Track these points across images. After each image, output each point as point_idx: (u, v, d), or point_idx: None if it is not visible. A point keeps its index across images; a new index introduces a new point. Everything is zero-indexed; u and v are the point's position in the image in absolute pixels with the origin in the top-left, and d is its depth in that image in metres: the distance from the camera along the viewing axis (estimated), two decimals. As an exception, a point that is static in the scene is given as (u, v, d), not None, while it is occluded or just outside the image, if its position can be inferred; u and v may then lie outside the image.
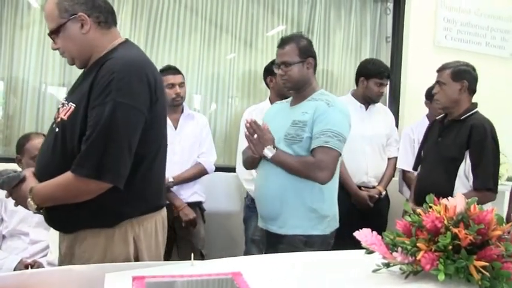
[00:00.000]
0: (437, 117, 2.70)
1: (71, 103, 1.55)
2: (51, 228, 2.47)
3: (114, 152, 1.45)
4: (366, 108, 3.09)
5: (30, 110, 3.38)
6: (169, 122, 2.86)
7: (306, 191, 2.14)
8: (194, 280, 1.26)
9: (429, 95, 3.21)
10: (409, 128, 3.29)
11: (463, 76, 2.45)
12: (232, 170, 3.18)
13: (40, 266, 2.37)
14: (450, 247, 1.18)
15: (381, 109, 3.23)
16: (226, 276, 1.26)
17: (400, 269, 1.26)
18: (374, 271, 1.31)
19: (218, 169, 3.11)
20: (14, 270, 2.31)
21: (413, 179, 3.13)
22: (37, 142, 2.50)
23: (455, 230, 1.19)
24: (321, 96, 2.19)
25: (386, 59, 3.87)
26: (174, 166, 2.81)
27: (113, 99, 1.44)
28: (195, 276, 1.26)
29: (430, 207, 1.31)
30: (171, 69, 2.92)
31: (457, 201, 1.28)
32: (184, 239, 2.92)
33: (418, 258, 1.19)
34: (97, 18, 1.61)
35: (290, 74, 2.19)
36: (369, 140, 3.03)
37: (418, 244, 1.21)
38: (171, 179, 2.80)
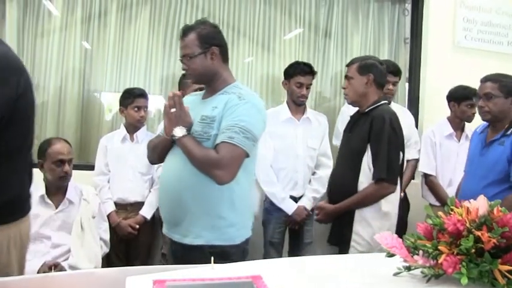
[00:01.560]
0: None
1: None
2: (73, 232, 2.53)
3: None
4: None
5: (51, 115, 3.43)
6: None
7: (212, 193, 1.87)
8: (215, 283, 1.26)
9: (451, 97, 3.17)
10: (430, 130, 3.25)
11: (370, 69, 2.38)
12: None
13: (62, 269, 2.40)
14: (473, 250, 1.16)
15: (400, 110, 3.18)
16: (246, 279, 1.26)
17: (422, 272, 1.25)
18: (395, 274, 1.29)
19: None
20: (38, 272, 2.34)
21: (436, 183, 3.10)
22: (59, 147, 2.55)
23: (478, 233, 1.17)
24: (233, 89, 1.95)
25: (405, 61, 3.84)
26: None
27: None
28: (216, 280, 1.26)
29: (452, 209, 1.29)
30: None
31: (480, 203, 1.26)
32: None
33: (439, 261, 1.17)
34: None
35: (192, 67, 1.96)
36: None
37: (439, 247, 1.20)
38: None
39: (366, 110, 2.40)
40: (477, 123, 2.75)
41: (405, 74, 3.77)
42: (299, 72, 2.96)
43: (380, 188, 2.27)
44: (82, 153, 3.49)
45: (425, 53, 3.71)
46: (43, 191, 2.57)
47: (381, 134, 2.27)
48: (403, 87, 3.80)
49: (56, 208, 2.57)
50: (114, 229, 2.91)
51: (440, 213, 1.30)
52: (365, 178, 2.30)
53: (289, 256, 3.01)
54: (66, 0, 3.44)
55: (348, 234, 2.32)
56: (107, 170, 3.05)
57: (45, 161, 2.55)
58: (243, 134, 1.81)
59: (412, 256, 1.26)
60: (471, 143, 2.71)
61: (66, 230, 2.54)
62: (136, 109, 3.03)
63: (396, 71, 3.04)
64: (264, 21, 3.71)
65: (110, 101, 3.55)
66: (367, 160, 2.31)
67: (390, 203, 2.32)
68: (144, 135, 3.08)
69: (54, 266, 2.39)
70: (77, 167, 2.92)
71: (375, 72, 2.39)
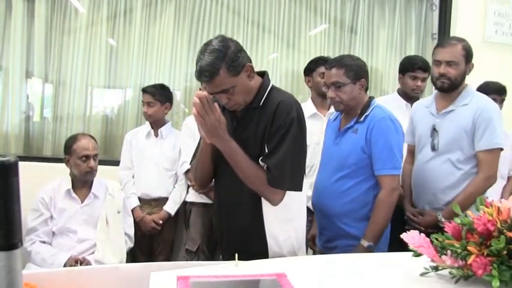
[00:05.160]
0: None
1: None
2: (98, 227, 2.56)
3: None
4: (412, 106, 3.00)
5: (78, 111, 3.49)
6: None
7: None
8: (238, 281, 1.25)
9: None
10: None
11: (240, 61, 1.77)
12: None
13: (88, 263, 2.44)
14: (505, 252, 1.12)
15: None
16: (270, 277, 1.25)
17: (450, 273, 1.21)
18: (422, 274, 1.26)
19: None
20: (64, 266, 2.38)
21: None
22: (84, 143, 2.59)
23: (510, 234, 1.13)
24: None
25: (432, 56, 3.77)
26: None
27: None
28: (239, 277, 1.26)
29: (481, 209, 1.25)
30: None
31: (511, 203, 1.22)
32: None
33: (469, 262, 1.14)
34: None
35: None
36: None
37: (468, 248, 1.16)
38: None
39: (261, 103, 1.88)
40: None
41: (432, 70, 3.70)
42: (321, 64, 2.92)
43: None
44: (108, 148, 3.54)
45: (453, 49, 3.62)
46: (69, 185, 2.61)
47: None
48: (429, 83, 3.72)
49: (82, 202, 2.60)
50: (137, 224, 2.94)
51: (469, 212, 1.27)
52: None
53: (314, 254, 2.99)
54: (93, -2, 3.49)
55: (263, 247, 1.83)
56: (132, 165, 3.08)
57: (71, 157, 2.59)
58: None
59: (439, 256, 1.23)
60: (326, 132, 2.48)
61: (92, 225, 2.57)
62: (143, 104, 3.10)
63: (425, 67, 2.97)
64: (289, 17, 3.69)
65: (135, 97, 3.59)
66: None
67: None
68: (168, 131, 3.10)
69: (80, 262, 2.42)
70: (103, 162, 2.95)
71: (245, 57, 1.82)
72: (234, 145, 1.72)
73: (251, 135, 1.77)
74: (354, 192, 2.16)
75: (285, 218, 1.80)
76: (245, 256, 1.45)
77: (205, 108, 1.63)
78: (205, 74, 1.64)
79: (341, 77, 2.18)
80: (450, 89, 2.35)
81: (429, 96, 2.52)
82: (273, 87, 1.84)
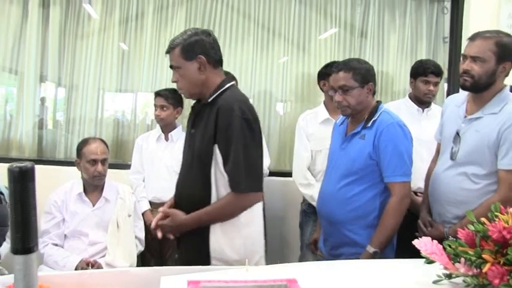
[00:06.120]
0: None
1: None
2: (109, 230, 2.58)
3: None
4: (423, 111, 2.98)
5: (90, 114, 3.51)
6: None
7: None
8: (249, 285, 1.25)
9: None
10: None
11: (197, 51, 1.86)
12: (287, 174, 3.16)
13: (99, 266, 2.45)
14: (522, 261, 1.11)
15: (440, 112, 3.10)
16: (281, 282, 1.25)
17: (464, 281, 1.20)
18: (435, 282, 1.25)
19: (272, 173, 3.11)
20: (76, 269, 2.40)
21: None
22: (94, 146, 2.61)
23: (527, 242, 1.11)
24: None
25: (444, 60, 3.74)
26: None
27: None
28: (250, 282, 1.26)
29: (496, 216, 1.24)
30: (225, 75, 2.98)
31: (527, 210, 1.20)
32: None
33: (484, 270, 1.12)
34: None
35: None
36: (426, 144, 2.92)
37: (483, 255, 1.15)
38: None
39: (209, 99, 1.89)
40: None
41: (444, 74, 3.66)
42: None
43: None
44: (119, 152, 3.56)
45: (465, 53, 3.60)
46: (81, 189, 2.63)
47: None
48: (441, 87, 3.70)
49: (93, 206, 2.62)
50: (148, 228, 2.94)
51: (483, 219, 1.25)
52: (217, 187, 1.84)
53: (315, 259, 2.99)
54: (105, 3, 3.52)
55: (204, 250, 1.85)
56: (142, 169, 3.09)
57: (81, 160, 2.61)
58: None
59: (453, 264, 1.21)
60: (332, 136, 2.43)
61: (103, 228, 2.59)
62: (155, 107, 3.09)
63: (438, 71, 2.95)
64: (299, 21, 3.69)
65: (146, 101, 3.61)
66: (215, 164, 1.82)
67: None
68: (178, 135, 3.11)
69: (91, 265, 2.44)
70: (114, 166, 2.98)
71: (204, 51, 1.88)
72: (189, 218, 1.84)
73: (199, 131, 1.87)
74: (360, 199, 2.13)
75: (231, 224, 1.82)
76: (193, 256, 1.75)
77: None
78: (169, 45, 1.90)
79: (348, 81, 2.16)
80: (473, 88, 2.09)
81: (463, 92, 2.22)
82: (230, 87, 1.90)
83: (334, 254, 2.21)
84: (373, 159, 2.11)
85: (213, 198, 1.81)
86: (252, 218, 1.87)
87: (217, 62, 1.92)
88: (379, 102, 2.24)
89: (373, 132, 2.13)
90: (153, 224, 1.96)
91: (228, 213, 1.82)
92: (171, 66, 1.90)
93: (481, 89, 2.07)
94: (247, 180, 1.77)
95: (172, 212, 1.92)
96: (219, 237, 1.82)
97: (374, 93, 2.24)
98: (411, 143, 2.18)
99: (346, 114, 2.26)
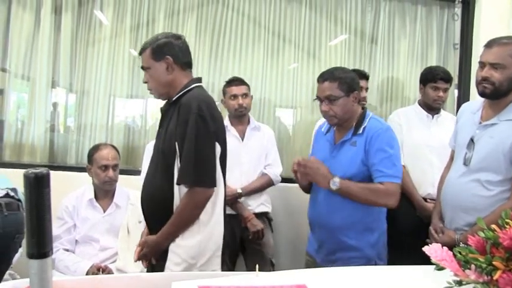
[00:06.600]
0: None
1: None
2: (120, 236, 2.59)
3: None
4: (433, 117, 2.98)
5: (100, 120, 3.54)
6: (235, 133, 2.93)
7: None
8: (259, 291, 1.26)
9: None
10: None
11: (165, 52, 1.95)
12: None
13: (110, 271, 2.47)
14: (533, 268, 1.10)
15: (449, 118, 3.09)
16: (291, 288, 1.26)
17: (474, 288, 1.19)
18: (445, 289, 1.24)
19: (283, 180, 3.11)
20: (86, 274, 2.41)
21: None
22: (104, 153, 2.63)
23: (538, 250, 1.10)
24: None
25: (454, 67, 3.73)
26: (241, 177, 2.89)
27: None
28: (260, 288, 1.26)
29: (507, 223, 1.23)
30: (235, 81, 3.02)
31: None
32: (253, 249, 2.94)
33: (495, 277, 1.11)
34: None
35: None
36: (435, 150, 2.91)
37: (494, 263, 1.14)
38: (239, 190, 2.85)
39: (175, 98, 1.96)
40: None
41: (454, 80, 3.65)
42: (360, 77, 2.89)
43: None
44: (130, 158, 3.58)
45: (475, 59, 3.57)
46: (92, 195, 2.65)
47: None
48: (451, 94, 3.69)
49: (104, 212, 2.64)
50: None
51: (493, 226, 1.24)
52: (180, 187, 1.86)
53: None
54: (116, 10, 3.55)
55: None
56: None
57: (92, 166, 2.64)
58: None
59: (463, 270, 1.20)
60: (315, 143, 2.45)
61: (114, 234, 2.61)
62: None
63: (447, 78, 2.95)
64: (310, 27, 3.69)
65: (157, 107, 3.63)
66: (178, 163, 1.85)
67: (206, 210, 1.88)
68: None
69: (102, 270, 2.45)
70: (125, 172, 3.00)
71: (171, 54, 1.96)
72: (159, 235, 1.89)
73: (163, 130, 1.94)
74: (355, 204, 2.13)
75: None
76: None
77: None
78: (141, 47, 1.99)
79: (334, 90, 2.17)
80: (493, 95, 2.06)
81: (479, 100, 2.22)
82: (196, 88, 1.95)
83: (330, 260, 2.20)
84: (365, 165, 2.13)
85: (176, 199, 1.84)
86: (210, 218, 1.87)
87: (185, 64, 1.99)
88: (365, 109, 2.27)
89: (364, 139, 2.16)
90: (134, 258, 2.01)
91: (186, 215, 1.83)
92: (142, 67, 2.00)
93: (501, 96, 2.06)
94: (195, 174, 1.78)
95: (144, 240, 1.98)
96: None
97: (359, 101, 2.26)
98: (399, 147, 2.24)
99: (333, 124, 2.27)
